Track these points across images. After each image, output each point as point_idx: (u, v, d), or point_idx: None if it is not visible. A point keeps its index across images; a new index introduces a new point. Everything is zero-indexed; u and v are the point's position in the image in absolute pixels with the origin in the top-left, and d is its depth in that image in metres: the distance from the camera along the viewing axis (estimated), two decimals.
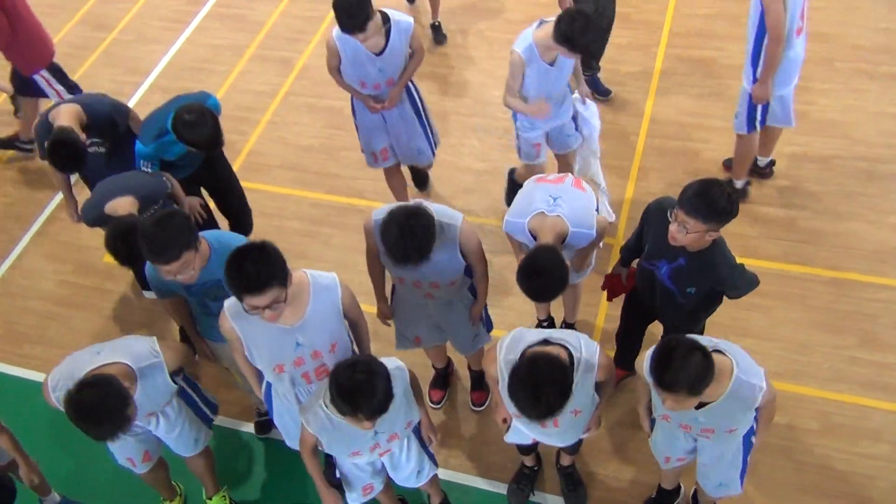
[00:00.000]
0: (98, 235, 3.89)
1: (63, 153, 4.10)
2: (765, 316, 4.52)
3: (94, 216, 3.95)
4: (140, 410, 3.13)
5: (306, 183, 5.65)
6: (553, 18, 3.94)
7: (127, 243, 3.46)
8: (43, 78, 5.57)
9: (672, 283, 3.42)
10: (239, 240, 3.42)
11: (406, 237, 3.00)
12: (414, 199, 4.37)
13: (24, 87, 5.72)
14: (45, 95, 5.68)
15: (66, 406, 2.86)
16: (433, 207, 3.27)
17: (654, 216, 3.41)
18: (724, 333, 3.94)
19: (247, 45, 6.84)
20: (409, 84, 4.56)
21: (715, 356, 2.75)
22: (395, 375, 2.87)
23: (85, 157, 4.18)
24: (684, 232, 3.11)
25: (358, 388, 2.64)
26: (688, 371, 2.63)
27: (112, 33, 7.17)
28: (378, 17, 4.11)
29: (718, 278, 3.32)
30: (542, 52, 4.08)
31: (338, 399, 2.67)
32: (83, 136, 4.20)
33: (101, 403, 2.83)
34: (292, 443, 3.59)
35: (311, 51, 6.67)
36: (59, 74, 5.65)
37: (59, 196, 5.71)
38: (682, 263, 3.31)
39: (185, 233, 3.13)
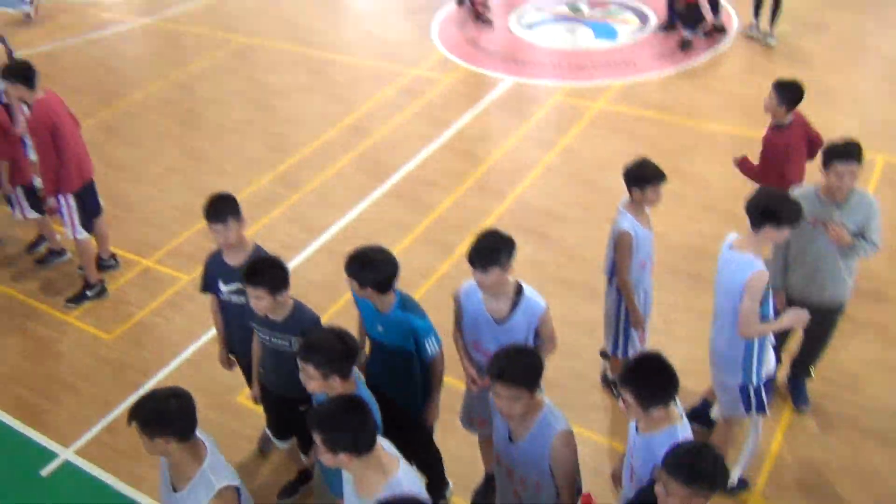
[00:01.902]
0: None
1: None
2: None
3: None
4: None
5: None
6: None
7: None
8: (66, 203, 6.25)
9: None
10: None
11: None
12: None
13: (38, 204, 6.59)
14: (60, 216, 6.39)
15: None
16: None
17: None
18: None
19: (415, 225, 7.17)
20: None
21: None
22: None
23: None
24: (664, 494, 2.77)
25: None
26: None
27: (299, 193, 7.77)
28: (511, 284, 3.84)
29: None
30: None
31: None
32: None
33: None
34: None
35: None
36: (81, 204, 6.33)
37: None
38: None
39: None
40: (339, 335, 3.44)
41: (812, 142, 5.41)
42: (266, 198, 7.72)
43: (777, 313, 4.24)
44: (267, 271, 3.91)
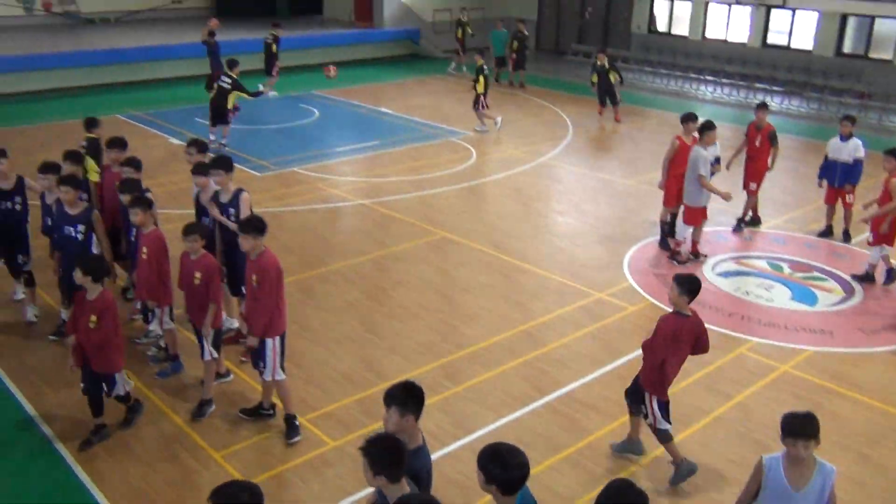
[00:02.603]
0: None
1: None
2: None
3: None
4: None
5: None
6: None
7: None
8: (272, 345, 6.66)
9: None
10: None
11: None
12: None
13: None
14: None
15: None
16: None
17: None
18: None
19: (565, 446, 6.93)
20: None
21: None
22: None
23: None
24: None
25: None
26: None
27: (459, 387, 7.82)
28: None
29: None
30: None
31: None
32: None
33: None
34: None
35: None
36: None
37: None
38: None
39: None
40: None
41: None
42: (426, 384, 7.78)
43: None
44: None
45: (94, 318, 6.38)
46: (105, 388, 6.72)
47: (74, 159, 8.77)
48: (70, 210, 7.79)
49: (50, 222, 8.16)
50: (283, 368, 6.90)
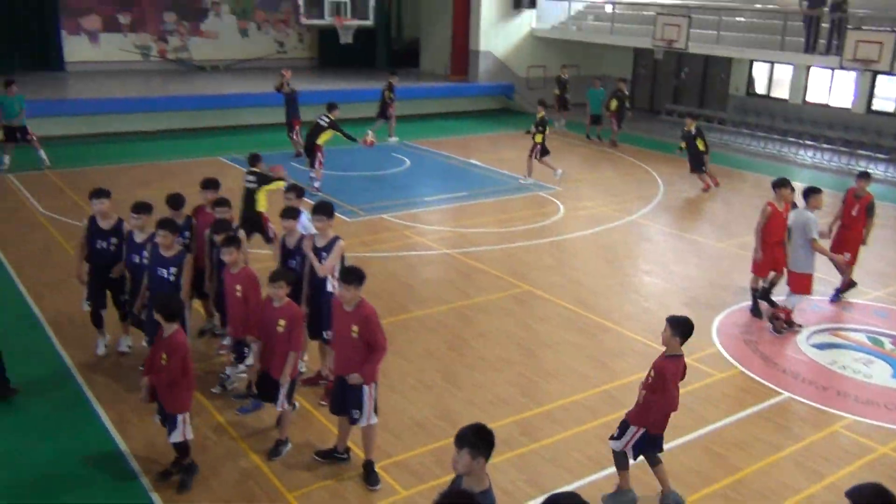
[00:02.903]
0: None
1: None
2: None
3: None
4: None
5: None
6: None
7: None
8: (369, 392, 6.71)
9: None
10: None
11: None
12: None
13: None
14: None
15: None
16: None
17: None
18: None
19: None
20: None
21: None
22: None
23: None
24: None
25: None
26: None
27: (535, 444, 7.65)
28: None
29: None
30: None
31: None
32: None
33: None
34: None
35: None
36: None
37: None
38: None
39: None
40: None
41: None
42: (502, 438, 7.67)
43: None
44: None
45: (164, 355, 6.51)
46: (167, 428, 6.71)
47: (174, 204, 8.88)
48: (165, 252, 7.97)
49: (137, 260, 8.35)
50: (376, 412, 6.94)
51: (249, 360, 8.06)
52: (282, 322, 7.02)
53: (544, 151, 17.59)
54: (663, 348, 6.91)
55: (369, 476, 6.94)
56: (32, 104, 19.36)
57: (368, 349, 6.72)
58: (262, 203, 10.97)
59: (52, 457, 7.19)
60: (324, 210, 8.15)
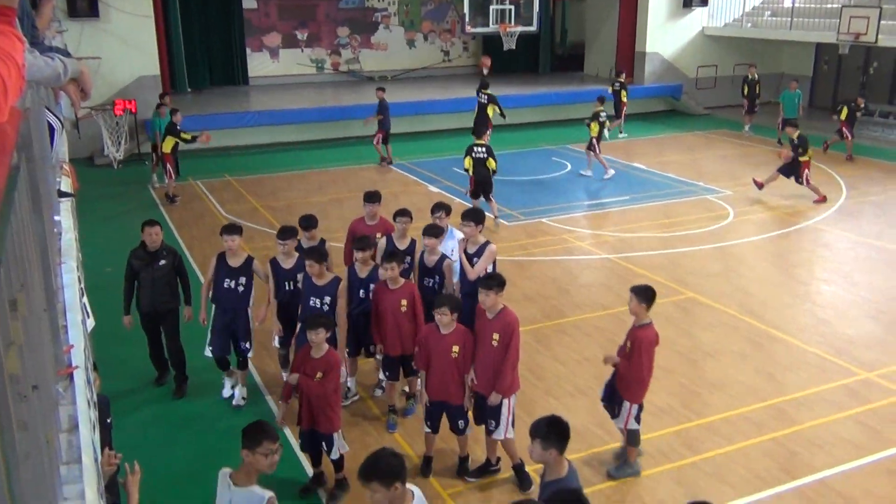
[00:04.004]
0: None
1: None
2: None
3: None
4: None
5: None
6: None
7: None
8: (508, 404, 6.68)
9: None
10: None
11: None
12: None
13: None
14: None
15: None
16: None
17: None
18: None
19: None
20: None
21: None
22: None
23: None
24: None
25: None
26: None
27: (697, 457, 7.32)
28: None
29: None
30: None
31: None
32: None
33: None
34: None
35: None
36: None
37: None
38: None
39: None
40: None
41: None
42: (661, 450, 7.44)
43: None
44: None
45: (319, 374, 6.50)
46: (324, 448, 6.72)
47: (306, 225, 8.57)
48: (318, 281, 7.65)
49: (290, 287, 7.99)
50: (513, 426, 6.87)
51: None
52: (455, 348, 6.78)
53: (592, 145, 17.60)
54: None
55: (520, 479, 6.92)
56: (219, 117, 21.00)
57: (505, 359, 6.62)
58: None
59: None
60: (473, 216, 8.18)
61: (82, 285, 4.32)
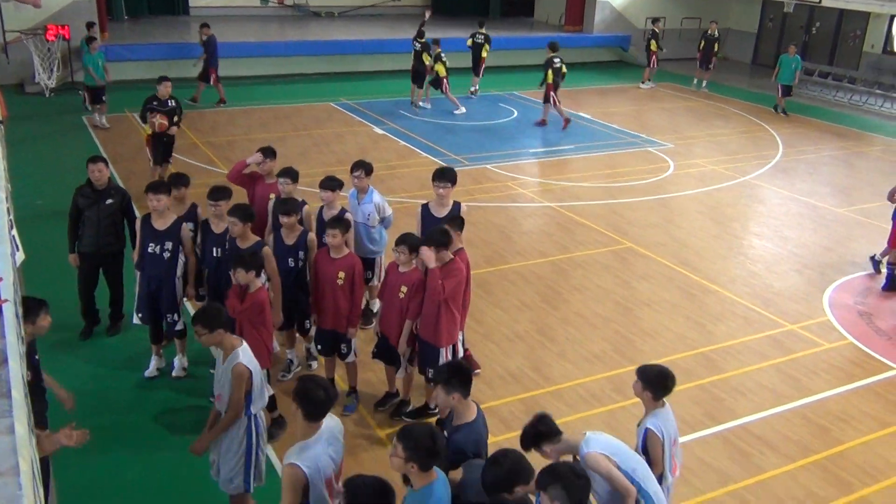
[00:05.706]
0: None
1: None
2: None
3: None
4: None
5: None
6: None
7: None
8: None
9: None
10: None
11: None
12: None
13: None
14: None
15: None
16: None
17: None
18: None
19: (735, 479, 6.51)
20: None
21: None
22: None
23: None
24: None
25: None
26: None
27: (626, 402, 7.57)
28: None
29: None
30: None
31: None
32: None
33: None
34: None
35: None
36: None
37: None
38: None
39: None
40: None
41: None
42: (593, 394, 7.67)
43: None
44: None
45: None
46: None
47: (288, 176, 7.93)
48: (241, 244, 6.93)
49: (218, 253, 7.17)
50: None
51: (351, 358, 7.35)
52: (404, 288, 6.71)
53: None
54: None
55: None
56: (159, 47, 20.26)
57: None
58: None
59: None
60: (449, 176, 7.77)
61: (11, 217, 4.17)
